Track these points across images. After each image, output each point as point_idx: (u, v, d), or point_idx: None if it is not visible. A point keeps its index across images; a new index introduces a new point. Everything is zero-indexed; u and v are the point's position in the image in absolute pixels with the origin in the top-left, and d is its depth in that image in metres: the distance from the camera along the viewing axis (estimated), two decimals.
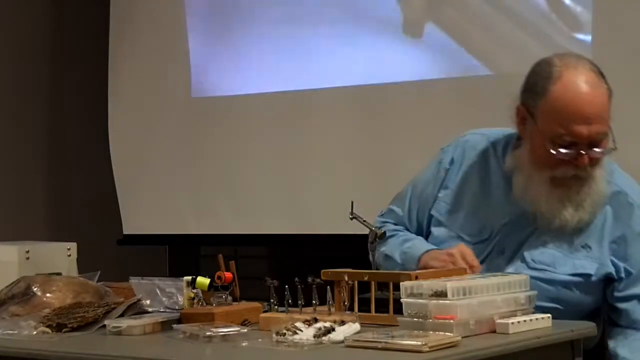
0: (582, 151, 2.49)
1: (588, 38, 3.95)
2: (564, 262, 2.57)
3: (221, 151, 4.90)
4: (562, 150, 2.49)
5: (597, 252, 2.58)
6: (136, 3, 5.20)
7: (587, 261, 2.57)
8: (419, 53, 4.33)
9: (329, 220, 4.42)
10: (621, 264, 2.58)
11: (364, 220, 2.55)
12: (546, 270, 2.56)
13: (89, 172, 5.39)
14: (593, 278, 2.57)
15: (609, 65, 3.83)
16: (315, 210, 4.59)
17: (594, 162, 2.52)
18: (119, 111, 5.21)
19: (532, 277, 2.41)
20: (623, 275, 2.58)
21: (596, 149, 2.50)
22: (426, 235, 2.75)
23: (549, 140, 2.49)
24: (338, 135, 4.55)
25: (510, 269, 2.55)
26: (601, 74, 2.55)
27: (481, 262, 2.55)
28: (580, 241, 2.59)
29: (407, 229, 2.79)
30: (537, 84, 2.53)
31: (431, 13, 4.30)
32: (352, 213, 2.56)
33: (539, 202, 2.55)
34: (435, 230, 2.72)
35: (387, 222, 2.81)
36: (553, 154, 2.49)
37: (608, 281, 2.60)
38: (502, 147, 2.69)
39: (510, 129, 2.68)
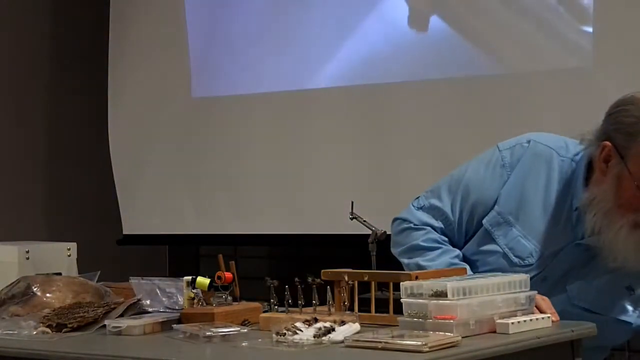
0: None
1: (590, 29, 3.94)
2: (605, 302, 2.53)
3: (221, 151, 4.90)
4: None
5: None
6: (136, 3, 5.20)
7: (630, 306, 2.54)
8: (420, 52, 4.33)
9: (329, 220, 4.41)
10: None
11: (364, 220, 2.55)
12: (588, 309, 2.51)
13: (89, 173, 5.39)
14: (633, 326, 2.56)
15: (611, 57, 3.88)
16: (315, 210, 4.59)
17: None
18: (119, 111, 5.21)
19: (573, 312, 2.42)
20: None
21: None
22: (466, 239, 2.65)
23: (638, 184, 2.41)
24: (338, 135, 4.54)
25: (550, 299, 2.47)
26: None
27: None
28: (624, 282, 2.54)
29: (448, 233, 2.65)
30: (634, 125, 2.43)
31: (436, 7, 4.29)
32: (352, 213, 2.56)
33: (615, 244, 2.46)
34: (482, 244, 2.62)
35: (428, 224, 2.64)
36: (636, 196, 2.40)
37: None
38: (570, 171, 2.56)
39: (573, 141, 2.58)
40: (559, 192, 2.56)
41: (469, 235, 2.64)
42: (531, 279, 2.41)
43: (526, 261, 2.55)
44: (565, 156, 2.57)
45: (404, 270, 2.63)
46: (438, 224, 2.64)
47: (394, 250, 2.67)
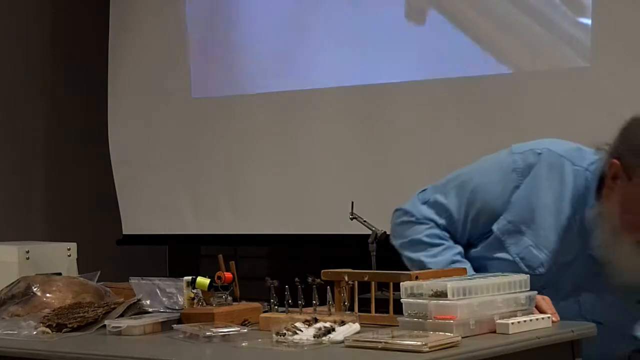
0: None
1: (589, 22, 3.93)
2: (617, 316, 2.52)
3: (221, 151, 4.90)
4: None
5: None
6: (136, 3, 5.20)
7: None
8: (419, 52, 4.33)
9: (329, 220, 4.42)
10: None
11: (364, 220, 2.55)
12: (599, 322, 2.45)
13: (89, 172, 5.39)
14: None
15: (609, 49, 3.88)
16: (315, 210, 4.59)
17: None
18: (119, 111, 5.21)
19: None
20: None
21: None
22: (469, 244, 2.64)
23: None
24: (338, 135, 4.55)
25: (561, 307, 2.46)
26: None
27: None
28: (636, 296, 2.52)
29: (451, 230, 2.62)
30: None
31: (435, 6, 4.29)
32: (352, 213, 2.56)
33: (621, 262, 2.45)
34: (492, 251, 2.59)
35: (431, 220, 2.61)
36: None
37: None
38: (584, 182, 2.52)
39: (589, 150, 2.55)
40: (571, 203, 2.53)
41: (473, 236, 2.62)
42: (543, 289, 2.41)
43: (537, 271, 2.52)
44: (580, 165, 2.54)
45: (404, 263, 2.62)
46: (441, 220, 2.61)
47: (394, 242, 2.64)
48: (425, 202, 2.63)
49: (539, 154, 2.55)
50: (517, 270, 2.49)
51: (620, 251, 2.43)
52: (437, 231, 2.59)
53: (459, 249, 2.59)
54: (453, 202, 2.60)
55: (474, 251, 2.62)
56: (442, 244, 2.58)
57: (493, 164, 2.61)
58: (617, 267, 2.45)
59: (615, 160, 2.42)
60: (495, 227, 2.56)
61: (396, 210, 2.67)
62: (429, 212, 2.61)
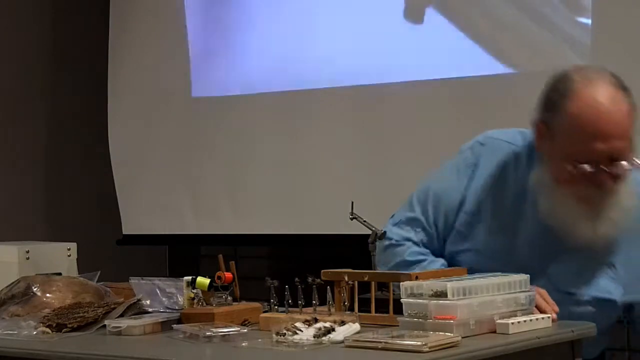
0: (602, 167, 2.42)
1: (589, 21, 3.93)
2: (589, 284, 2.54)
3: (221, 151, 4.90)
4: (582, 167, 2.42)
5: (622, 272, 2.55)
6: (136, 3, 5.20)
7: (612, 283, 2.54)
8: (420, 53, 4.32)
9: (329, 220, 4.41)
10: None
11: (364, 221, 2.55)
12: (571, 292, 2.52)
13: (89, 172, 5.39)
14: (618, 303, 2.55)
15: (609, 49, 3.88)
16: (315, 210, 4.59)
17: (617, 177, 2.45)
18: (119, 111, 5.21)
19: (557, 298, 2.42)
20: None
21: (618, 165, 2.43)
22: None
23: (568, 157, 2.43)
24: (338, 135, 4.54)
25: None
26: (623, 88, 2.48)
27: None
28: (605, 259, 2.55)
29: (428, 241, 2.68)
30: (555, 100, 2.48)
31: (435, 6, 4.29)
32: (352, 213, 2.56)
33: (564, 219, 2.49)
34: (457, 245, 2.64)
35: (408, 239, 2.65)
36: (573, 171, 2.43)
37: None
38: (526, 157, 2.60)
39: (529, 131, 2.61)
40: (519, 181, 2.59)
41: (446, 240, 2.66)
42: (511, 271, 2.44)
43: (499, 255, 2.56)
44: (521, 144, 2.62)
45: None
46: (418, 235, 2.66)
47: (381, 269, 2.65)
48: (396, 224, 2.69)
49: (482, 144, 2.67)
50: (481, 259, 2.55)
51: (561, 209, 2.49)
52: (416, 249, 2.64)
53: (442, 260, 2.63)
54: (420, 213, 2.67)
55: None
56: (425, 259, 2.62)
57: (448, 167, 2.72)
58: (564, 224, 2.49)
59: (538, 121, 2.52)
60: (457, 224, 2.63)
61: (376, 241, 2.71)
62: (404, 232, 2.66)
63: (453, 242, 2.65)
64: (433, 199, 2.66)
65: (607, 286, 2.55)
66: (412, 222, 2.67)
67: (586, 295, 2.53)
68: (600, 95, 2.44)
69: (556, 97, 2.48)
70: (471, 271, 2.47)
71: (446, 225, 2.65)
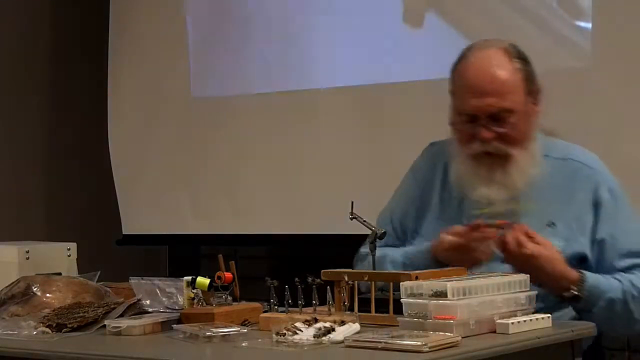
0: (482, 123, 2.55)
1: (589, 25, 3.94)
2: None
3: (221, 151, 4.90)
4: (466, 124, 2.57)
5: (561, 228, 2.60)
6: (136, 3, 5.20)
7: (555, 240, 2.57)
8: (419, 52, 4.32)
9: (329, 220, 4.41)
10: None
11: (364, 220, 2.55)
12: None
13: (89, 172, 5.39)
14: (563, 255, 2.56)
15: (609, 53, 3.88)
16: (315, 210, 4.59)
17: (504, 138, 2.56)
18: (119, 111, 5.21)
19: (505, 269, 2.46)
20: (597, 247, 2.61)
21: (499, 124, 2.55)
22: None
23: (457, 114, 2.60)
24: (338, 135, 4.54)
25: (483, 267, 2.53)
26: (518, 57, 2.64)
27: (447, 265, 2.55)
28: (545, 219, 2.60)
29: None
30: (453, 66, 2.67)
31: (432, 3, 4.29)
32: (352, 213, 2.56)
33: (463, 180, 2.62)
34: (419, 241, 2.73)
35: (382, 245, 2.70)
36: (462, 128, 2.58)
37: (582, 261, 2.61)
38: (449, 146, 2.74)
39: None
40: (446, 169, 2.75)
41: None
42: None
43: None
44: (443, 140, 2.79)
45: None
46: (394, 241, 2.79)
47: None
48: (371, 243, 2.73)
49: (428, 147, 2.90)
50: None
51: (461, 168, 2.63)
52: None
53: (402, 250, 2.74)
54: (388, 222, 2.81)
55: None
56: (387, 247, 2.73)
57: (407, 174, 2.92)
58: (465, 188, 2.62)
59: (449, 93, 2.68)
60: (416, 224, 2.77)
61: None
62: (382, 242, 2.71)
63: (418, 241, 2.74)
64: (392, 210, 2.85)
65: (550, 242, 2.58)
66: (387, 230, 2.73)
67: None
68: (482, 57, 2.62)
69: (455, 63, 2.67)
70: None
71: (414, 226, 2.78)
